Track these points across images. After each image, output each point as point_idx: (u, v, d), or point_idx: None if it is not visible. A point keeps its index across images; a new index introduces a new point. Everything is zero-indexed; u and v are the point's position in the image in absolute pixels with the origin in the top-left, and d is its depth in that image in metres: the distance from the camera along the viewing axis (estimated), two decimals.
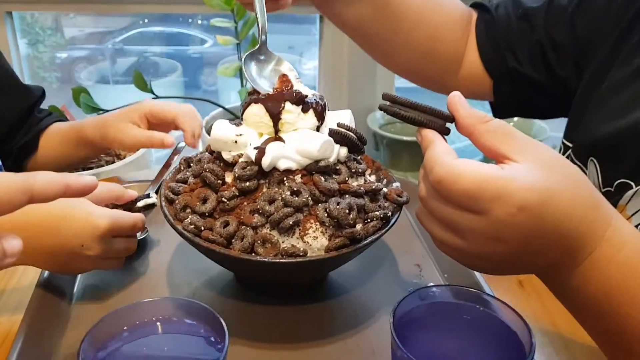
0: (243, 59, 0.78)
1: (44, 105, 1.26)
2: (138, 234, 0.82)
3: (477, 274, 0.79)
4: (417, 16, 0.94)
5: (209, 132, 1.73)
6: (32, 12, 2.38)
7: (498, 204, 0.53)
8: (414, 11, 0.94)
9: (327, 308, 0.76)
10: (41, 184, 0.48)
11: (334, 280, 0.81)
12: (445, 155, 0.57)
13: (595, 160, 0.81)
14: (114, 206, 0.82)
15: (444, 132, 0.62)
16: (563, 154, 0.89)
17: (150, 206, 0.94)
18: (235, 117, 1.78)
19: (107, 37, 3.07)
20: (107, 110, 1.66)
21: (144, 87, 1.64)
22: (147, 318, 0.57)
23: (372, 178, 0.79)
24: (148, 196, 0.94)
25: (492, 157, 0.59)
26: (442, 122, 0.61)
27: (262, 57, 0.81)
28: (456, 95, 0.61)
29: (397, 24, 0.94)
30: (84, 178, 0.52)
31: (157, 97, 1.64)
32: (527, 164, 0.55)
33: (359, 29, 0.97)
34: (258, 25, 0.81)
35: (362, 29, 0.96)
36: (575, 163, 0.85)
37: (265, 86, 0.76)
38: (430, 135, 0.61)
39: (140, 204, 0.91)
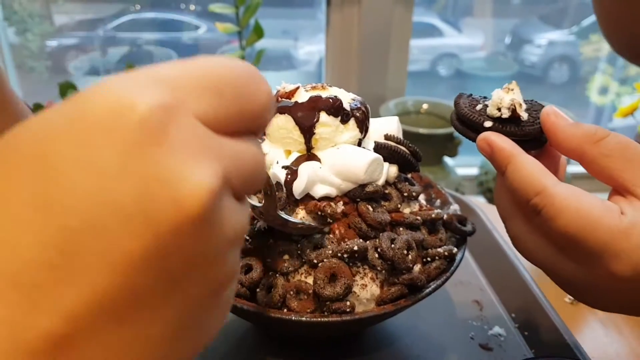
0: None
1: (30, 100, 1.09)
2: None
3: (553, 312, 0.64)
4: None
5: None
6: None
7: (606, 260, 0.41)
8: None
9: None
10: None
11: (376, 326, 0.66)
12: (542, 178, 0.43)
13: None
14: None
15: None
16: None
17: None
18: None
19: (98, 24, 2.93)
20: None
21: None
22: None
23: (422, 199, 0.64)
24: None
25: (609, 184, 0.45)
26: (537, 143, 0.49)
27: None
28: (551, 113, 0.47)
29: None
30: None
31: None
32: None
33: None
34: None
35: None
36: None
37: None
38: (507, 147, 0.47)
39: None
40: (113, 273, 0.21)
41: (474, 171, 2.20)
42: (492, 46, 3.38)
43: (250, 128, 0.28)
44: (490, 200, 2.03)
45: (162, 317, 0.24)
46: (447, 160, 1.97)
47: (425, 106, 1.98)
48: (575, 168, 2.32)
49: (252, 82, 0.27)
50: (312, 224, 0.51)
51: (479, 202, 0.86)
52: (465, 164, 2.34)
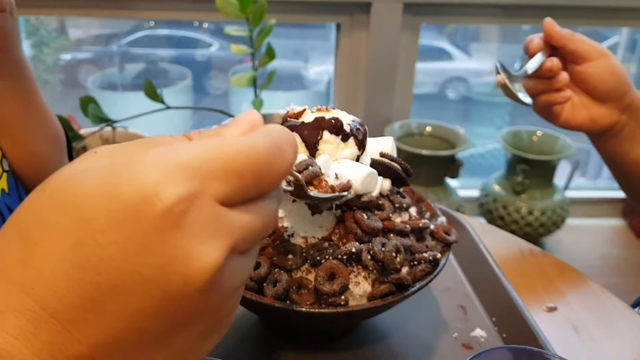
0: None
1: None
2: None
3: (530, 316, 0.71)
4: None
5: None
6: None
7: None
8: None
9: (363, 356, 0.69)
10: None
11: (369, 324, 0.73)
12: None
13: None
14: None
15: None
16: None
17: None
18: None
19: (113, 39, 3.02)
20: (116, 121, 1.59)
21: (155, 96, 1.57)
22: None
23: (413, 211, 0.72)
24: None
25: None
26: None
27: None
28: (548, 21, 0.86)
29: None
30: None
31: (168, 107, 1.57)
32: None
33: None
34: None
35: None
36: None
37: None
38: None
39: None
40: (129, 319, 0.28)
41: (475, 193, 2.27)
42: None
43: (267, 192, 0.33)
44: (490, 221, 2.10)
45: (167, 349, 0.31)
46: (449, 181, 2.04)
47: (428, 128, 2.06)
48: (574, 193, 2.38)
49: (274, 160, 0.32)
50: (335, 194, 0.56)
51: (467, 217, 0.93)
52: (466, 186, 2.42)
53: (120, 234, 0.27)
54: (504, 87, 0.84)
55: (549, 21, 0.87)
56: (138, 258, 0.28)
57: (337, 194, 0.55)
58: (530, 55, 0.87)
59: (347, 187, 0.58)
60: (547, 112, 0.90)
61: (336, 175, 0.58)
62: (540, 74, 0.86)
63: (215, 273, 0.29)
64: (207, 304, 0.30)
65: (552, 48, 0.87)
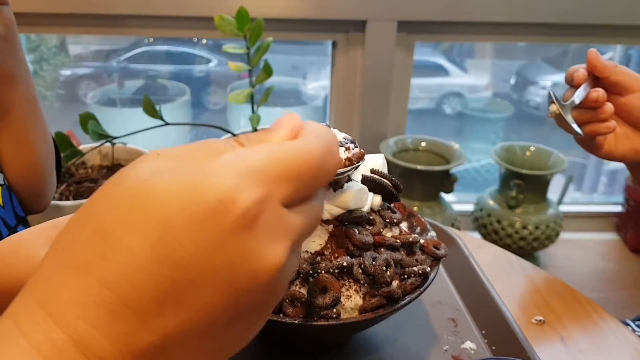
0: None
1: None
2: None
3: (518, 329, 0.73)
4: None
5: None
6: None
7: None
8: None
9: None
10: None
11: (361, 337, 0.75)
12: None
13: None
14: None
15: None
16: None
17: None
18: None
19: (112, 55, 3.04)
20: (115, 137, 1.62)
21: (154, 112, 1.59)
22: None
23: (404, 225, 0.74)
24: None
25: None
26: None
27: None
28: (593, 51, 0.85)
29: None
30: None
31: (166, 123, 1.59)
32: None
33: None
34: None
35: None
36: None
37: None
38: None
39: None
40: (200, 312, 0.31)
41: (469, 207, 2.29)
42: (497, 86, 3.47)
43: (317, 191, 0.37)
44: (485, 236, 2.12)
45: (224, 338, 0.33)
46: (444, 196, 2.06)
47: (423, 144, 2.08)
48: (568, 207, 2.40)
49: (328, 161, 0.35)
50: (354, 164, 0.58)
51: (458, 232, 0.95)
52: (461, 201, 2.44)
53: (200, 234, 0.29)
54: (557, 117, 0.84)
55: (594, 52, 0.86)
56: (213, 257, 0.30)
57: (355, 164, 0.58)
58: (575, 85, 0.86)
59: (361, 155, 0.59)
60: (589, 143, 0.90)
61: (346, 147, 0.60)
62: (584, 105, 0.85)
63: (279, 271, 0.32)
64: (266, 297, 0.33)
65: (594, 78, 0.87)
